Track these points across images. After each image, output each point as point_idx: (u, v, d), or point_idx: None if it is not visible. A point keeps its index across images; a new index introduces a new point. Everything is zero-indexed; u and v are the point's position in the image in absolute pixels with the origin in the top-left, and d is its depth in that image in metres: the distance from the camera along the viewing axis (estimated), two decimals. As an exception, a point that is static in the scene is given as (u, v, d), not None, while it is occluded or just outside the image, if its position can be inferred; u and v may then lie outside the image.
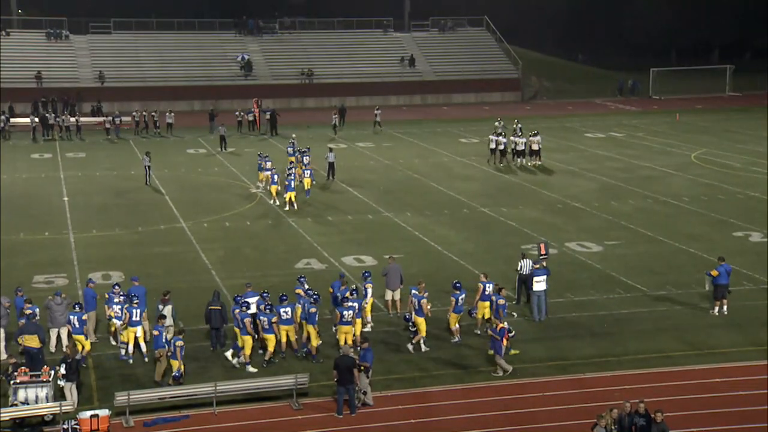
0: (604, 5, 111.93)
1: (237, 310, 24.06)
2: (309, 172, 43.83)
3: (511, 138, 51.64)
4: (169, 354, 22.70)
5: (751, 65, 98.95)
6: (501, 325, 23.27)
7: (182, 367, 22.63)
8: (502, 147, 51.16)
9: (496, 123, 54.13)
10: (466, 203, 42.34)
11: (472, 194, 44.14)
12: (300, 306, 24.80)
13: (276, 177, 42.41)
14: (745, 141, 59.64)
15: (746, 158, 53.15)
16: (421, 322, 24.83)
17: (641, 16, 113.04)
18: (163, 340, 22.92)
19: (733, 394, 22.33)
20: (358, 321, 24.79)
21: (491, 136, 52.29)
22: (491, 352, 23.70)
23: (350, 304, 24.43)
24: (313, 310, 24.35)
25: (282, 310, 24.29)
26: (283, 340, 24.41)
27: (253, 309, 24.76)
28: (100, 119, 64.44)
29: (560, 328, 26.61)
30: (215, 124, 62.24)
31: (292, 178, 41.23)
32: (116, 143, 60.23)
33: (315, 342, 24.26)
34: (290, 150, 48.89)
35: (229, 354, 24.23)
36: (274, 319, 23.96)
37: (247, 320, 23.74)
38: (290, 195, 40.62)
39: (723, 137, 61.41)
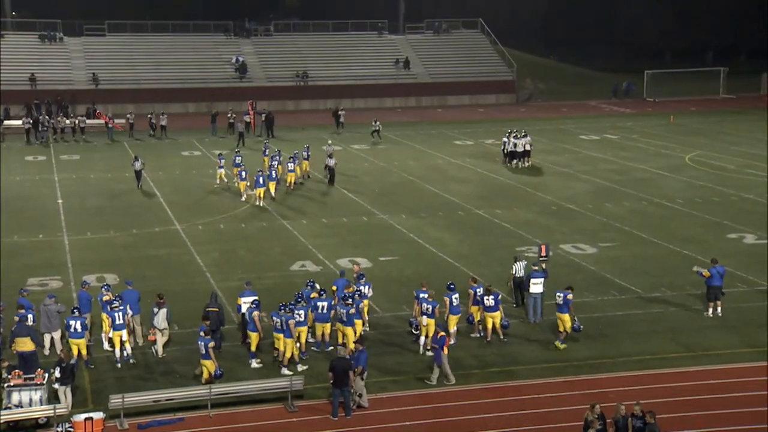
0: (598, 7, 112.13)
1: (281, 312, 23.77)
2: (290, 164, 45.39)
3: (512, 140, 51.81)
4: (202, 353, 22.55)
5: (745, 67, 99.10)
6: (441, 333, 23.24)
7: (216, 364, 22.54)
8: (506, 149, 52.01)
9: (513, 136, 54.36)
10: (461, 205, 42.34)
11: (467, 196, 44.15)
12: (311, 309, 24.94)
13: (244, 174, 43.20)
14: (739, 143, 59.73)
15: (740, 160, 53.23)
16: (431, 323, 24.76)
17: (636, 18, 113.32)
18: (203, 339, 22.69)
19: (728, 395, 22.35)
20: (358, 322, 24.82)
21: (504, 139, 52.84)
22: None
23: (349, 302, 24.48)
24: (353, 311, 24.34)
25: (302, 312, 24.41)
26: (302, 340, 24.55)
27: (244, 309, 24.80)
28: (77, 120, 63.75)
29: (555, 329, 26.56)
30: (217, 126, 63.14)
31: (260, 174, 42.29)
32: (110, 145, 60.12)
33: (351, 345, 23.97)
34: (266, 152, 49.86)
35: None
36: (299, 319, 24.01)
37: (291, 322, 23.57)
38: (259, 191, 41.87)
39: (717, 139, 61.50)
